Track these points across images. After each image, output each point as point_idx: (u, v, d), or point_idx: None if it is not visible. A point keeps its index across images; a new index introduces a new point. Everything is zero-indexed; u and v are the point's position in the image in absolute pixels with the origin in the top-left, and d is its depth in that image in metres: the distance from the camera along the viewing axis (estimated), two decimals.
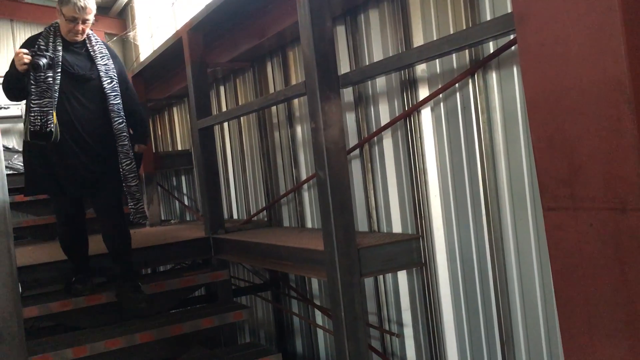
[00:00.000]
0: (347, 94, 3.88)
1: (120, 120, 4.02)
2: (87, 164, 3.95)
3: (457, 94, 3.09)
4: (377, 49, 3.64)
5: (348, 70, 3.80)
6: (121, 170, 4.03)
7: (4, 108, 9.21)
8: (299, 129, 4.67)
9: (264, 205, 5.27)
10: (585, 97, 1.58)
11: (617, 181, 1.53)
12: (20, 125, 9.72)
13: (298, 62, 4.59)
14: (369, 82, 3.65)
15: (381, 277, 3.86)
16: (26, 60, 3.64)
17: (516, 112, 2.79)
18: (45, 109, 3.71)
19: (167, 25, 8.42)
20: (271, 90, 5.00)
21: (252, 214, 5.43)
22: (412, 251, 3.41)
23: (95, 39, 4.14)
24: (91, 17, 3.92)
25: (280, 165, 4.99)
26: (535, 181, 2.68)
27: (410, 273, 3.60)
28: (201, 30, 4.74)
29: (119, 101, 4.03)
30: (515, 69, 2.77)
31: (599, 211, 1.59)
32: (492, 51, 2.85)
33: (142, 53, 9.56)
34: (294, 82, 4.64)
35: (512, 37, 2.64)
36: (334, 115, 3.13)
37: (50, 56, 3.75)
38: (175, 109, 7.61)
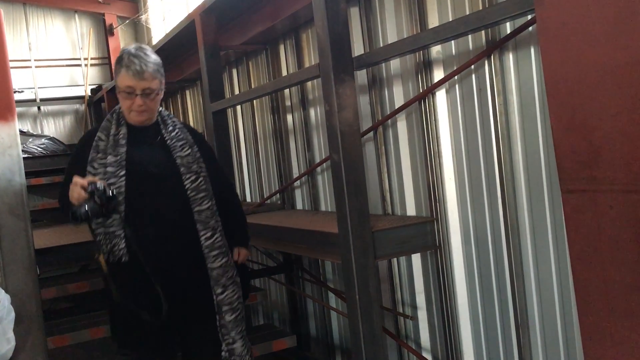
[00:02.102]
0: (361, 76, 3.85)
1: (210, 234, 3.00)
2: (169, 296, 2.89)
3: (473, 76, 3.06)
4: (391, 31, 3.60)
5: (362, 52, 3.77)
6: (214, 300, 3.04)
7: (18, 92, 9.26)
8: (312, 112, 4.65)
9: (277, 188, 5.27)
10: (607, 77, 1.55)
11: (638, 163, 1.51)
12: (35, 109, 9.80)
13: (311, 44, 4.55)
14: (383, 64, 3.62)
15: (395, 260, 3.86)
16: (78, 198, 2.67)
17: (533, 94, 2.75)
18: (111, 229, 2.82)
19: (179, 8, 8.39)
20: (284, 72, 4.98)
21: (265, 196, 5.44)
22: (427, 234, 3.40)
23: (172, 120, 3.13)
24: (157, 86, 2.90)
25: (294, 148, 4.99)
26: (552, 164, 2.65)
27: (425, 256, 3.59)
28: (214, 13, 4.72)
29: (207, 205, 3.00)
30: (532, 50, 2.73)
31: (619, 193, 1.57)
32: (509, 32, 2.81)
33: (154, 36, 9.54)
34: (307, 64, 4.62)
35: (530, 17, 2.60)
36: (347, 97, 3.11)
37: (101, 192, 2.67)
38: (187, 92, 7.62)
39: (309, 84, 4.56)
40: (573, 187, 1.69)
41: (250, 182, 5.96)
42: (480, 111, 3.05)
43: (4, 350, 2.61)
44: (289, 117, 5.00)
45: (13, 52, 8.75)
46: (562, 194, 1.73)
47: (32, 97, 9.78)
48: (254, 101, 5.50)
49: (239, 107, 5.94)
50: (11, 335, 2.62)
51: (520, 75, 2.81)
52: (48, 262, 4.29)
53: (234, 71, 6.01)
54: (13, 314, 2.63)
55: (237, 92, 5.97)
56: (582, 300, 1.72)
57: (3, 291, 2.66)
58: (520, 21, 2.70)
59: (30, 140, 8.33)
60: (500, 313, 3.12)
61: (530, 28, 2.69)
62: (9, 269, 2.66)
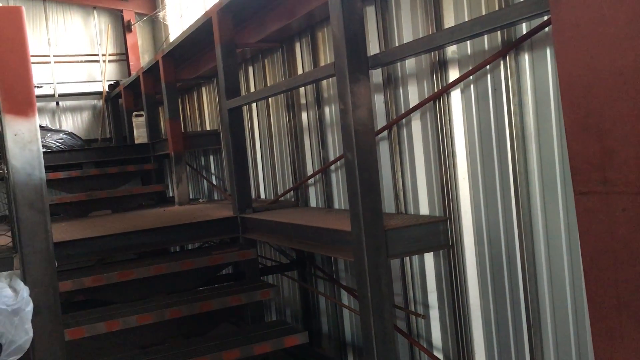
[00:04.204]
0: (376, 75, 3.87)
1: None
2: None
3: (488, 76, 3.06)
4: (407, 30, 3.61)
5: (377, 51, 3.78)
6: None
7: (37, 87, 9.38)
8: (327, 110, 4.67)
9: (292, 185, 5.30)
10: (622, 79, 1.55)
11: None
12: (53, 104, 9.93)
13: (327, 42, 4.57)
14: (398, 63, 3.63)
15: (407, 258, 3.87)
16: None
17: (548, 95, 2.75)
18: None
19: (196, 5, 8.44)
20: (299, 71, 5.00)
21: (279, 194, 5.47)
22: (439, 233, 3.41)
23: None
24: None
25: (308, 146, 5.01)
26: (566, 165, 2.65)
27: (437, 255, 3.60)
28: (231, 11, 4.75)
29: None
30: (548, 51, 2.72)
31: (631, 195, 1.57)
32: (524, 32, 2.81)
33: (172, 33, 9.61)
34: (322, 63, 4.64)
35: (546, 18, 2.60)
36: (362, 96, 3.12)
37: None
38: (204, 89, 7.67)
39: (324, 82, 4.58)
40: (586, 188, 1.70)
41: (264, 179, 5.99)
42: (495, 111, 3.05)
43: (22, 341, 2.67)
44: (304, 115, 5.03)
45: (32, 47, 8.85)
46: (575, 195, 1.73)
47: (51, 92, 9.91)
48: (269, 99, 5.53)
49: (254, 105, 5.97)
50: (29, 326, 2.67)
51: (535, 76, 2.81)
52: (65, 256, 4.36)
53: (250, 69, 6.05)
54: (31, 306, 2.69)
55: (252, 89, 6.01)
56: (593, 301, 1.73)
57: (22, 283, 2.72)
58: (536, 22, 2.70)
59: (48, 135, 8.44)
60: (512, 313, 3.12)
61: (547, 29, 2.69)
62: (28, 261, 2.71)
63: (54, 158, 7.34)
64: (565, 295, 2.79)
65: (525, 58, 2.84)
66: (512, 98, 2.93)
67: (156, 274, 4.41)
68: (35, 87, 2.75)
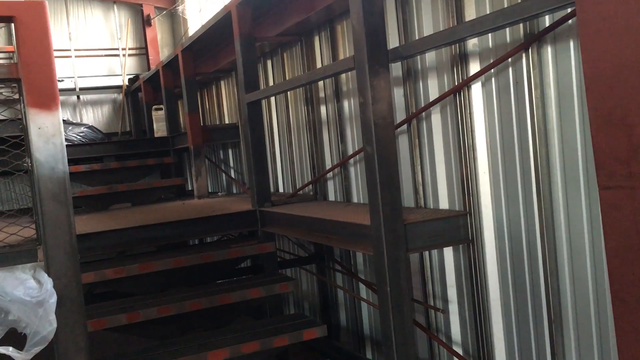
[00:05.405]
0: (395, 68, 3.85)
1: None
2: None
3: (510, 69, 3.03)
4: (427, 23, 3.58)
5: (397, 44, 3.76)
6: None
7: (59, 81, 9.48)
8: (346, 104, 4.66)
9: (310, 179, 5.30)
10: None
11: None
12: (74, 98, 10.03)
13: (346, 36, 4.56)
14: (418, 56, 3.61)
15: (427, 252, 3.86)
16: None
17: (571, 88, 2.71)
18: None
19: None
20: (318, 64, 5.00)
21: (298, 187, 5.48)
22: (459, 228, 3.39)
23: None
24: None
25: (327, 139, 5.01)
26: (590, 159, 2.62)
27: (457, 249, 3.58)
28: (250, 4, 4.76)
29: None
30: (572, 44, 2.69)
31: None
32: (547, 25, 2.77)
33: (191, 27, 9.65)
34: (341, 56, 4.62)
35: (569, 10, 2.56)
36: (382, 90, 3.11)
37: None
38: (223, 83, 7.69)
39: (343, 75, 4.57)
40: (610, 183, 1.67)
41: (283, 173, 6.01)
42: (516, 105, 3.02)
43: (46, 332, 2.71)
44: (323, 109, 5.02)
45: (54, 42, 8.95)
46: (599, 190, 1.71)
47: (72, 86, 10.01)
48: (288, 92, 5.53)
49: (273, 98, 5.98)
50: (53, 317, 2.71)
51: (558, 69, 2.78)
52: (86, 248, 4.41)
53: (269, 62, 6.05)
54: (55, 297, 2.72)
55: (271, 83, 6.01)
56: (617, 297, 1.71)
57: (46, 275, 2.76)
58: (559, 14, 2.66)
59: (70, 128, 8.53)
60: (532, 308, 3.10)
61: (570, 21, 2.65)
62: (52, 253, 2.74)
63: (75, 151, 7.42)
64: (588, 291, 2.76)
65: (548, 51, 2.81)
66: (534, 91, 2.90)
67: (176, 266, 4.44)
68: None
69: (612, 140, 1.65)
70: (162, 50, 10.54)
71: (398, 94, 3.89)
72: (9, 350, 2.57)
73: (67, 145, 3.27)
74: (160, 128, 8.13)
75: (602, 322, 2.72)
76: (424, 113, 3.66)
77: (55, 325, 2.71)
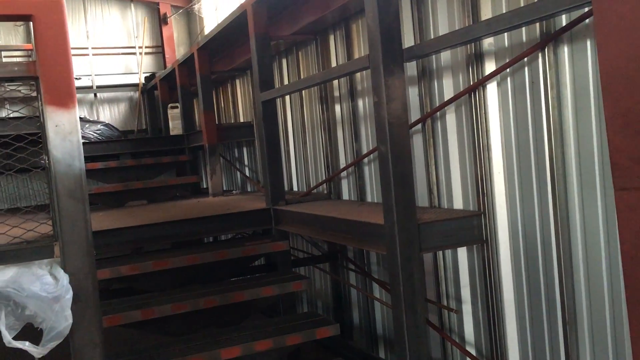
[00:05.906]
0: (410, 67, 3.84)
1: None
2: None
3: (526, 69, 3.00)
4: (442, 22, 3.57)
5: (412, 43, 3.75)
6: None
7: (76, 79, 9.58)
8: (360, 103, 4.66)
9: (324, 178, 5.31)
10: None
11: None
12: (91, 96, 10.13)
13: (361, 35, 4.55)
14: (434, 55, 3.59)
15: (440, 252, 3.84)
16: None
17: (588, 88, 2.69)
18: None
19: None
20: (333, 63, 5.00)
21: (312, 186, 5.49)
22: (473, 228, 3.38)
23: None
24: None
25: (341, 138, 5.01)
26: (606, 159, 2.59)
27: (471, 250, 3.57)
28: (265, 3, 4.77)
29: None
30: (588, 43, 2.66)
31: None
32: (564, 24, 2.75)
33: (207, 26, 9.70)
34: (356, 55, 4.62)
35: (586, 9, 2.54)
36: (397, 89, 3.10)
37: None
38: (238, 82, 7.72)
39: (358, 74, 4.57)
40: (627, 184, 1.66)
41: (297, 172, 6.02)
42: (532, 105, 3.00)
43: (62, 327, 2.74)
44: (337, 108, 5.02)
45: (72, 40, 9.04)
46: (615, 191, 1.70)
47: (89, 84, 10.11)
48: (303, 91, 5.54)
49: (287, 97, 5.99)
50: (69, 313, 2.74)
51: (575, 69, 2.75)
52: (102, 244, 4.45)
53: (284, 61, 6.06)
54: (71, 293, 2.76)
55: (286, 82, 6.02)
56: (632, 299, 1.69)
57: (62, 271, 2.79)
58: (576, 13, 2.64)
59: (87, 126, 8.62)
60: (547, 309, 3.08)
61: (587, 20, 2.63)
62: (68, 249, 2.77)
63: (92, 149, 7.50)
64: (603, 293, 2.74)
65: (565, 50, 2.78)
66: (550, 91, 2.88)
67: (190, 264, 4.47)
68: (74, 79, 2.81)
69: (629, 141, 1.64)
70: (178, 48, 10.61)
71: (413, 93, 3.88)
72: (25, 345, 2.61)
73: (83, 143, 3.31)
74: (175, 126, 8.19)
75: (617, 324, 2.69)
76: (438, 112, 3.65)
77: (71, 320, 2.74)
